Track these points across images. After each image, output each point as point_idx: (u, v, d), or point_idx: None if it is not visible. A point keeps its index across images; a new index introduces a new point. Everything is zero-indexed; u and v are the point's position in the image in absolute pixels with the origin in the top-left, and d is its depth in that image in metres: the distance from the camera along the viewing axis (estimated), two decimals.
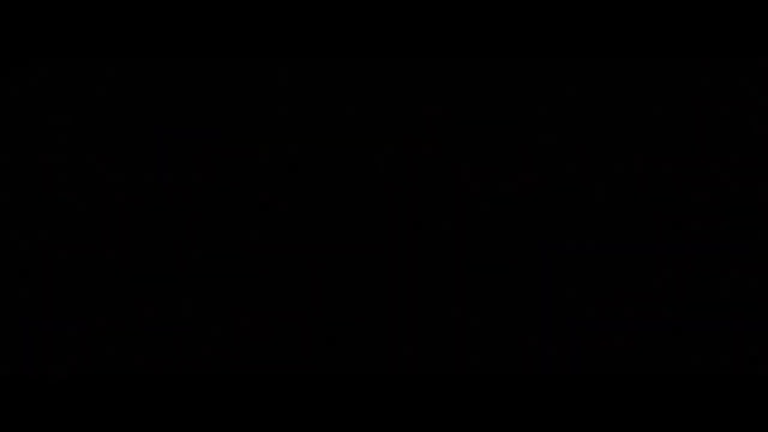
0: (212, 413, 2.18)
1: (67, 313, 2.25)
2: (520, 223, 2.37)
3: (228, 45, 2.22)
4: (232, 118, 2.30)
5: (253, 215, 2.33)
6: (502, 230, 2.37)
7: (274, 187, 2.33)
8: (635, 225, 2.58)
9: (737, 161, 2.31)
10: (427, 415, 2.17)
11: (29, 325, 2.24)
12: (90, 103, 2.29)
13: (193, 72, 2.31)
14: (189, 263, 2.28)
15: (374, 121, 2.35)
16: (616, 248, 2.64)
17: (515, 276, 2.34)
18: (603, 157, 2.45)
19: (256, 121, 2.33)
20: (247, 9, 2.21)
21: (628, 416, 2.18)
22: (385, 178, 2.34)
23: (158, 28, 2.20)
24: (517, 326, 2.25)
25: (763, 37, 2.22)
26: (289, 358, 2.30)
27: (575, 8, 2.24)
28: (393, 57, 2.31)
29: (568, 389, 2.17)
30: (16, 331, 2.22)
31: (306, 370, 2.29)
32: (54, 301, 2.25)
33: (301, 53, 2.27)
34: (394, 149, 2.35)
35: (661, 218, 2.48)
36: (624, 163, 2.62)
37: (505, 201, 2.36)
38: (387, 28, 2.23)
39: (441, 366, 2.31)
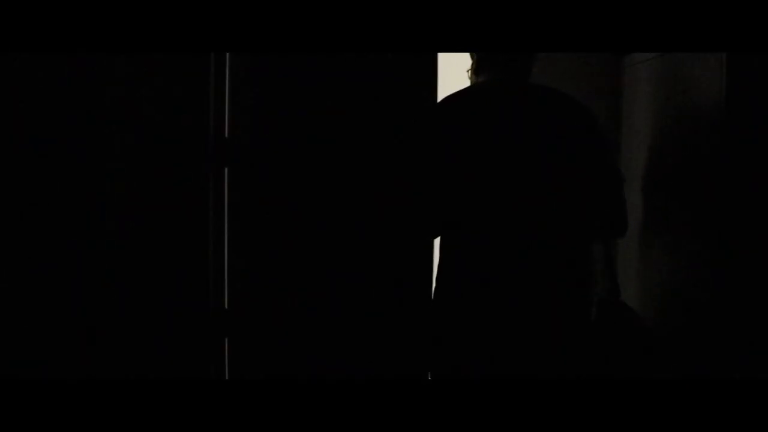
0: (210, 416, 2.18)
1: (64, 313, 2.25)
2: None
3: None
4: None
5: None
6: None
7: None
8: (635, 223, 2.57)
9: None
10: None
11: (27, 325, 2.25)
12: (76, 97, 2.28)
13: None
14: (186, 263, 2.28)
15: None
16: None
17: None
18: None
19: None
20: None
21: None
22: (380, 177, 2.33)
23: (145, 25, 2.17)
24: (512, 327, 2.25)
25: None
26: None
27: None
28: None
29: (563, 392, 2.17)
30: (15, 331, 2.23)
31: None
32: (50, 301, 2.26)
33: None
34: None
35: (660, 217, 2.46)
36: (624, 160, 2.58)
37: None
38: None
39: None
